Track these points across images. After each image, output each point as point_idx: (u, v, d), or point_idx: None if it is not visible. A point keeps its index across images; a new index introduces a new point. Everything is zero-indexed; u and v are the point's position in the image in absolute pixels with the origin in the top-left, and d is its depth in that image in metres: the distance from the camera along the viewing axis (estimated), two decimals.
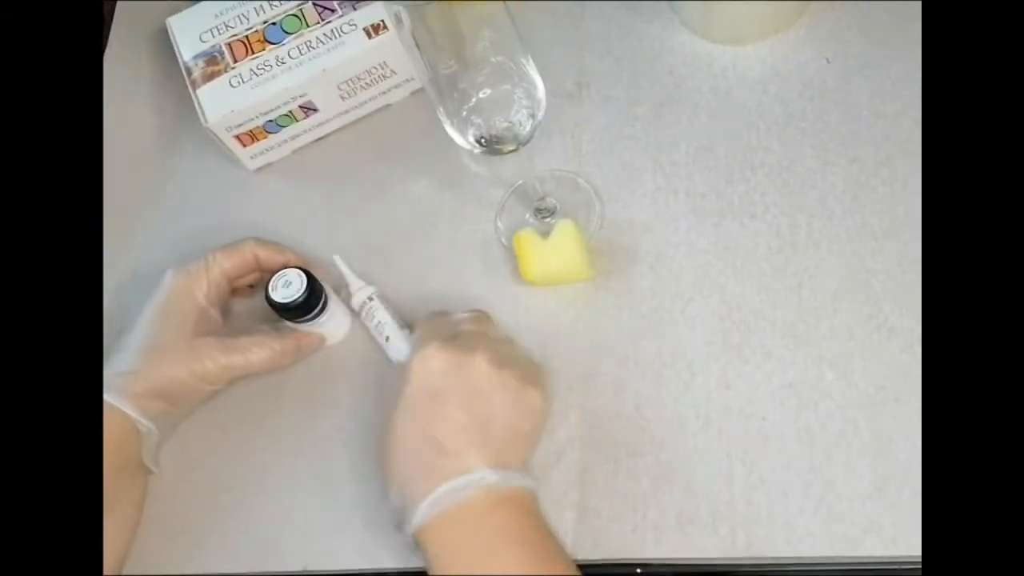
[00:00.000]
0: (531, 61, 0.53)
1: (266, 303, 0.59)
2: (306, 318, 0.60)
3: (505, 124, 0.54)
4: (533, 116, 0.54)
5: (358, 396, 0.62)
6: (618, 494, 0.56)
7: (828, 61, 0.67)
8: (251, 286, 0.66)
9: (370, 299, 0.63)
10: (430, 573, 0.50)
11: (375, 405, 0.61)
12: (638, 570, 0.55)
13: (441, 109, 0.53)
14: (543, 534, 0.51)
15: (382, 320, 0.62)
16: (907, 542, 0.52)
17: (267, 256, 0.62)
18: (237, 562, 0.58)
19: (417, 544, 0.50)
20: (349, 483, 0.59)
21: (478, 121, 0.54)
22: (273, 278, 0.59)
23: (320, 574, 0.58)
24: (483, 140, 0.55)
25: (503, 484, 0.50)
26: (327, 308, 0.60)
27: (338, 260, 0.65)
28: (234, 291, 0.64)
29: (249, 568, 0.58)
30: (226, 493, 0.61)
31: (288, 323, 0.61)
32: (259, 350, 0.59)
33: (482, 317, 0.59)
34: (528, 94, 0.54)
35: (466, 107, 0.53)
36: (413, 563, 0.56)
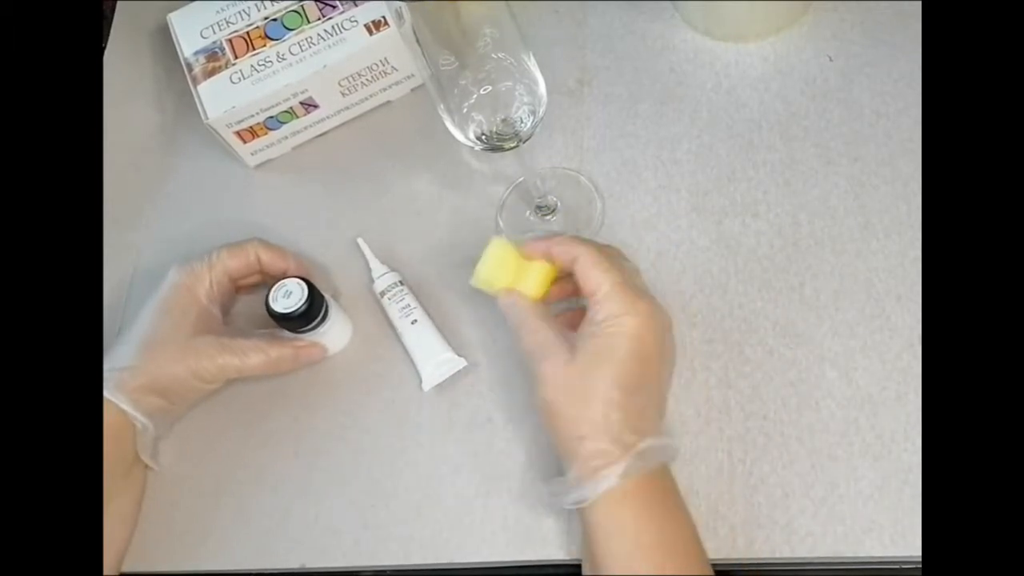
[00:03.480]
0: (532, 58, 0.53)
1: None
2: (306, 328, 0.59)
3: (506, 123, 0.54)
4: (534, 113, 0.54)
5: (358, 396, 0.62)
6: None
7: (831, 59, 0.67)
8: (255, 285, 0.66)
9: (400, 284, 0.63)
10: (608, 540, 0.48)
11: (374, 405, 0.61)
12: None
13: (442, 106, 0.53)
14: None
15: (410, 304, 0.62)
16: (907, 542, 0.52)
17: (269, 259, 0.62)
18: (236, 559, 0.58)
19: (590, 512, 0.49)
20: (347, 482, 0.59)
21: (479, 118, 0.54)
22: (273, 288, 0.58)
23: (318, 572, 0.58)
24: (484, 137, 0.54)
25: (677, 449, 0.52)
26: (328, 318, 0.60)
27: (361, 243, 0.66)
28: (237, 289, 0.64)
29: (247, 565, 0.58)
30: (225, 491, 0.60)
31: (288, 333, 0.60)
32: (256, 354, 0.59)
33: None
34: (529, 91, 0.53)
35: (467, 104, 0.53)
36: (413, 560, 0.56)
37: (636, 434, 0.49)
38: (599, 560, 0.49)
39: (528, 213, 0.65)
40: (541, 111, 0.54)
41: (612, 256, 0.54)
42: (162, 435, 0.60)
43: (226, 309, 0.62)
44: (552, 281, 0.55)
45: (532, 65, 0.53)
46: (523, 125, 0.54)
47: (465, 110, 0.53)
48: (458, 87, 0.52)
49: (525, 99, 0.54)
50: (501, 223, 0.65)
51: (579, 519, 0.51)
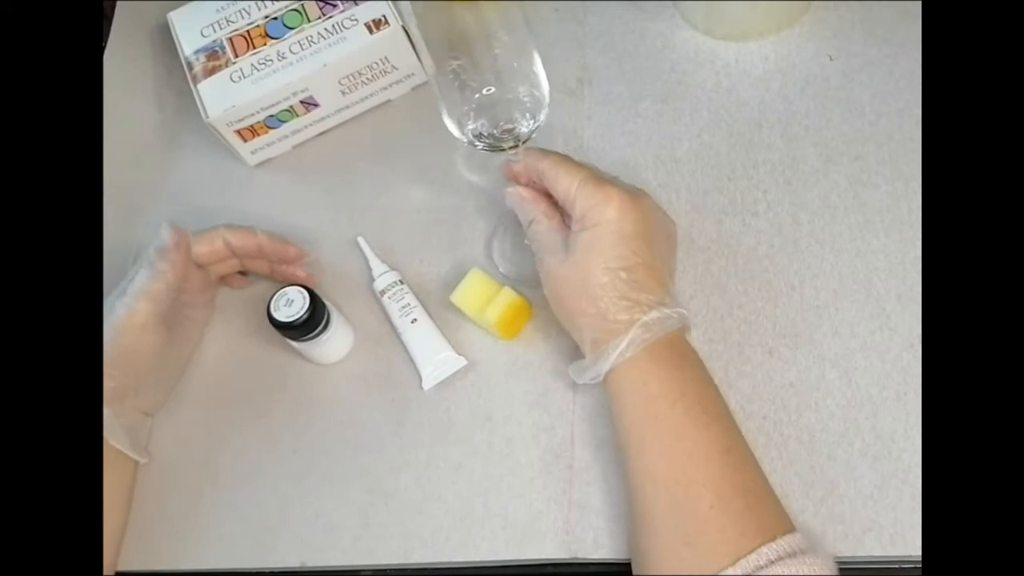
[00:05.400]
0: (539, 63, 0.53)
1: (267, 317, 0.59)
2: (308, 336, 0.59)
3: (507, 125, 0.54)
4: (534, 118, 0.54)
5: (358, 395, 0.62)
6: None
7: (831, 59, 0.67)
8: (243, 273, 0.66)
9: (400, 282, 0.63)
10: (630, 403, 0.52)
11: (374, 404, 0.61)
12: None
13: (443, 104, 0.53)
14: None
15: (411, 303, 0.62)
16: (907, 542, 0.52)
17: (238, 241, 0.62)
18: (235, 557, 0.58)
19: (607, 380, 0.53)
20: (347, 480, 0.59)
21: (480, 120, 0.54)
22: (274, 297, 0.58)
23: (318, 571, 0.58)
24: (482, 136, 0.54)
25: (687, 317, 0.54)
26: (330, 326, 0.60)
27: (361, 242, 0.66)
28: (221, 280, 0.64)
29: (247, 564, 0.58)
30: (224, 489, 0.60)
31: (291, 342, 0.60)
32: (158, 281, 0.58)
33: None
34: (532, 96, 0.53)
35: (469, 104, 0.53)
36: (413, 559, 0.56)
37: (637, 308, 0.51)
38: (618, 420, 0.53)
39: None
40: (542, 116, 0.54)
41: (571, 159, 0.56)
42: (136, 424, 0.60)
43: (197, 293, 0.63)
44: (519, 311, 0.60)
45: (538, 69, 0.53)
46: (523, 128, 0.54)
47: (466, 109, 0.53)
48: (462, 86, 0.52)
49: (527, 103, 0.54)
50: (495, 255, 0.65)
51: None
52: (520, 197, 0.57)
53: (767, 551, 0.45)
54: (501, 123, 0.54)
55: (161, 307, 0.58)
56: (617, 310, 0.52)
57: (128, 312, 0.57)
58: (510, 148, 0.55)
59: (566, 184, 0.54)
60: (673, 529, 0.48)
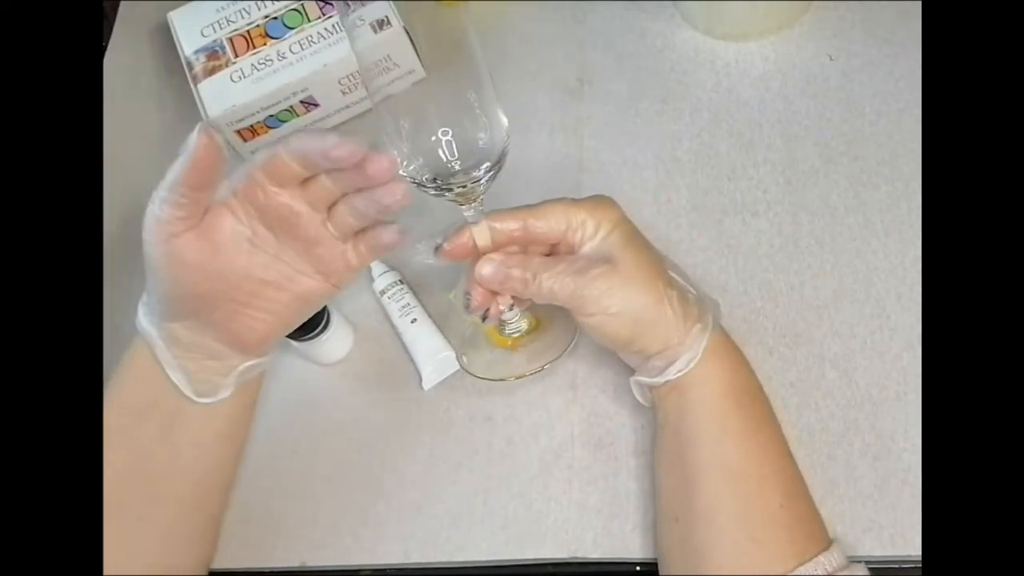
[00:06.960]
0: (497, 104, 0.48)
1: None
2: (308, 336, 0.59)
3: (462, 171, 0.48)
4: (492, 165, 0.49)
5: (358, 395, 0.62)
6: (618, 494, 0.56)
7: (831, 59, 0.67)
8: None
9: (400, 282, 0.64)
10: (709, 392, 0.51)
11: (374, 404, 0.61)
12: (638, 568, 0.55)
13: (388, 134, 0.49)
14: None
15: (411, 303, 0.63)
16: (907, 542, 0.52)
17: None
18: (235, 557, 0.58)
19: (664, 392, 0.52)
20: (347, 480, 0.59)
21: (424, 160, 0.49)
22: None
23: (317, 570, 0.58)
24: (432, 180, 0.49)
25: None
26: (330, 325, 0.60)
27: None
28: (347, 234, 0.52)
29: (247, 564, 0.58)
30: None
31: (291, 342, 0.60)
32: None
33: None
34: (489, 141, 0.48)
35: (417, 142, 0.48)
36: (413, 559, 0.56)
37: (695, 294, 0.52)
38: (690, 412, 0.51)
39: None
40: (497, 164, 0.49)
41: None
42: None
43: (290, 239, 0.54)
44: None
45: (497, 111, 0.48)
46: (479, 173, 0.49)
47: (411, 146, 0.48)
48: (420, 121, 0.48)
49: (482, 147, 0.48)
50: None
51: (657, 400, 0.53)
52: (508, 263, 0.51)
53: (824, 559, 0.47)
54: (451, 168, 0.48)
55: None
56: (688, 298, 0.51)
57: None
58: (458, 191, 0.49)
59: (561, 211, 0.51)
60: (741, 524, 0.48)
